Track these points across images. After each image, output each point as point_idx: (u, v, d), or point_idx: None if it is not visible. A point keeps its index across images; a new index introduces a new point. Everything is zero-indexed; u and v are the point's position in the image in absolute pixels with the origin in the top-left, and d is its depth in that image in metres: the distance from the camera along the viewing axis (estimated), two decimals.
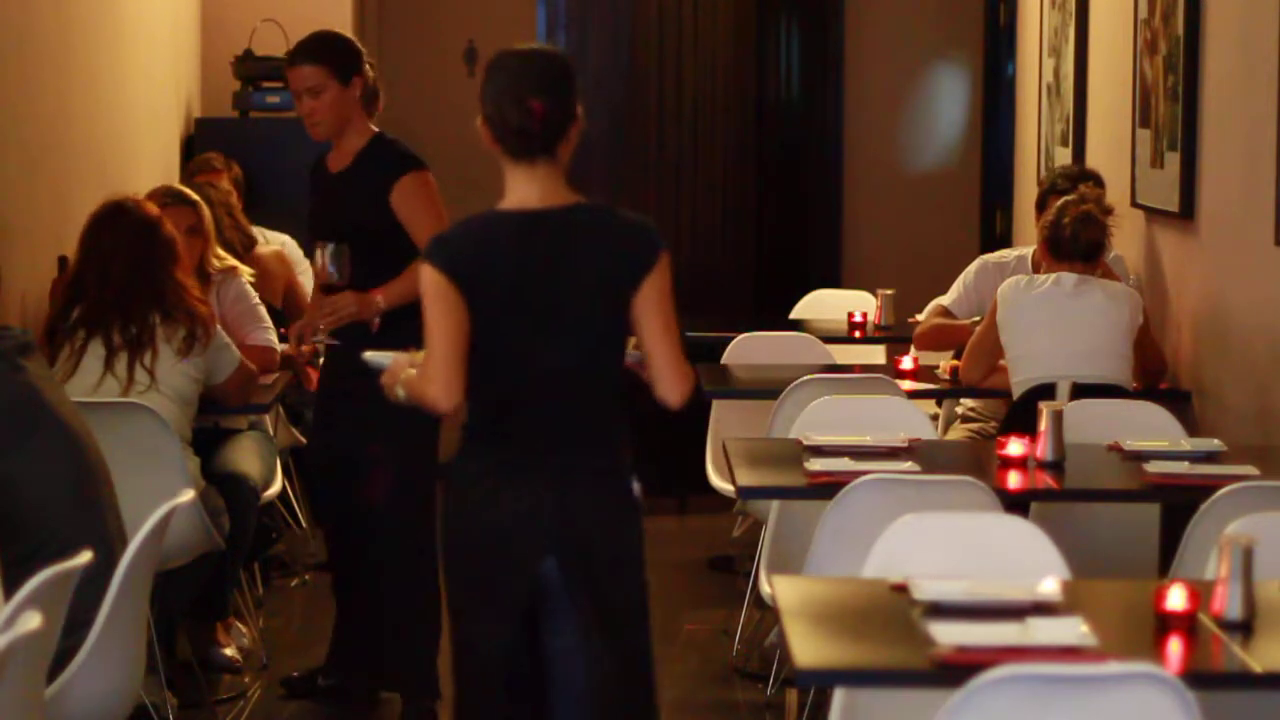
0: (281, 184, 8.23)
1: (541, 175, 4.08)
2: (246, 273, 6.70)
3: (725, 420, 7.17)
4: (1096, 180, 7.08)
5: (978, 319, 6.80)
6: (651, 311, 4.05)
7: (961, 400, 7.18)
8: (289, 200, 8.17)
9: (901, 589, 3.76)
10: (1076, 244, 6.31)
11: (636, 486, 4.12)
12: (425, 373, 4.03)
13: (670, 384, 4.08)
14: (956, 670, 3.25)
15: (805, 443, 5.34)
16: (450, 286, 3.99)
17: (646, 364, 4.10)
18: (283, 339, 7.01)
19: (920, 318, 8.10)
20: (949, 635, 3.44)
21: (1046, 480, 5.11)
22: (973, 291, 7.13)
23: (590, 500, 4.06)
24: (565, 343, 4.05)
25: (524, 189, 4.09)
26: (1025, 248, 7.36)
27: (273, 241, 7.72)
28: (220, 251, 6.65)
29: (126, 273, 5.77)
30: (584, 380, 4.08)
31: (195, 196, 6.55)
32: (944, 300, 7.26)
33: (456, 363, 3.99)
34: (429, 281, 4.00)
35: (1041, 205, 7.15)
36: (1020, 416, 5.94)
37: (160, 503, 4.21)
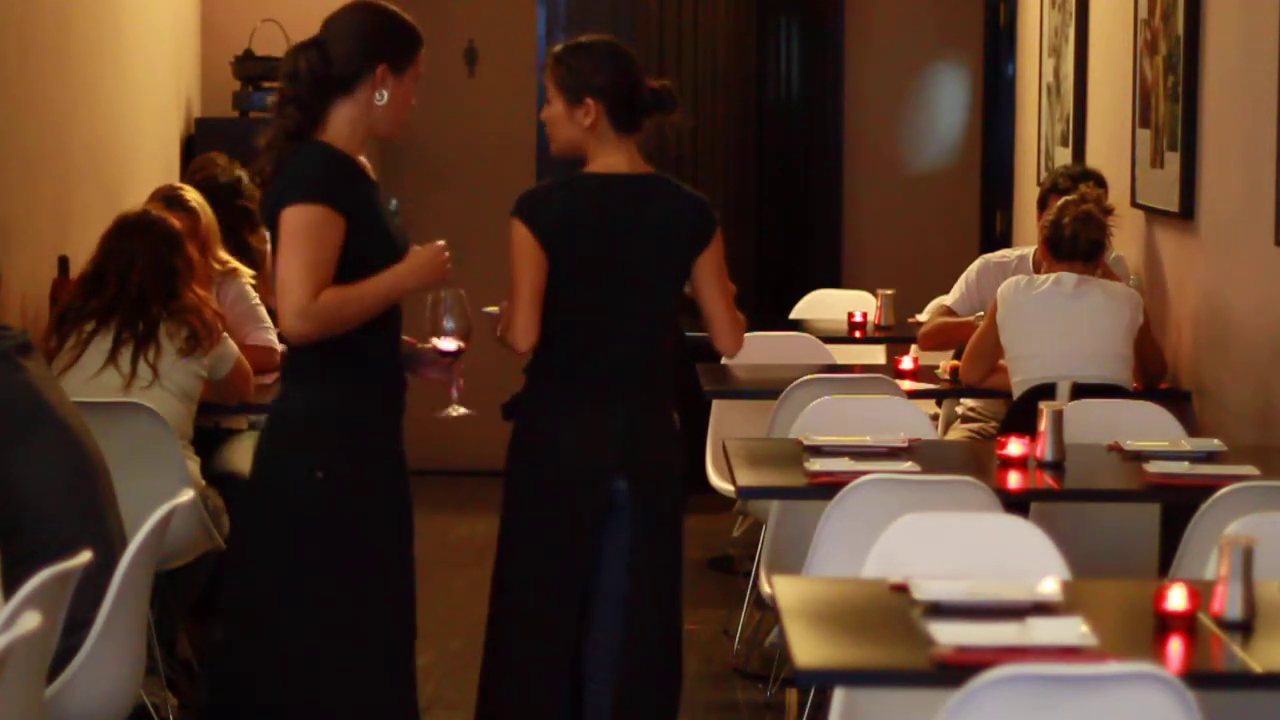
0: None
1: (629, 146, 4.81)
2: (247, 274, 6.71)
3: (725, 420, 7.17)
4: (1098, 180, 7.08)
5: (982, 315, 6.81)
6: (710, 278, 4.86)
7: (961, 400, 7.19)
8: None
9: (901, 589, 3.76)
10: (1077, 244, 6.31)
11: (676, 418, 4.89)
12: (507, 318, 4.71)
13: (728, 337, 4.93)
14: (956, 670, 3.25)
15: (805, 443, 5.34)
16: (535, 243, 4.71)
17: (705, 321, 4.91)
18: (281, 339, 7.01)
19: (921, 317, 8.12)
20: (949, 635, 3.44)
21: (1046, 480, 5.11)
22: (975, 290, 7.14)
23: (651, 428, 4.81)
24: (633, 292, 4.78)
25: (614, 157, 4.80)
26: (1026, 247, 7.36)
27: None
28: (223, 254, 6.65)
29: (146, 277, 5.82)
30: (646, 326, 4.82)
31: (193, 202, 6.55)
32: (946, 300, 7.26)
33: (535, 309, 4.70)
34: (517, 236, 4.72)
35: (1043, 204, 7.16)
36: (1020, 416, 5.94)
37: (160, 503, 4.21)
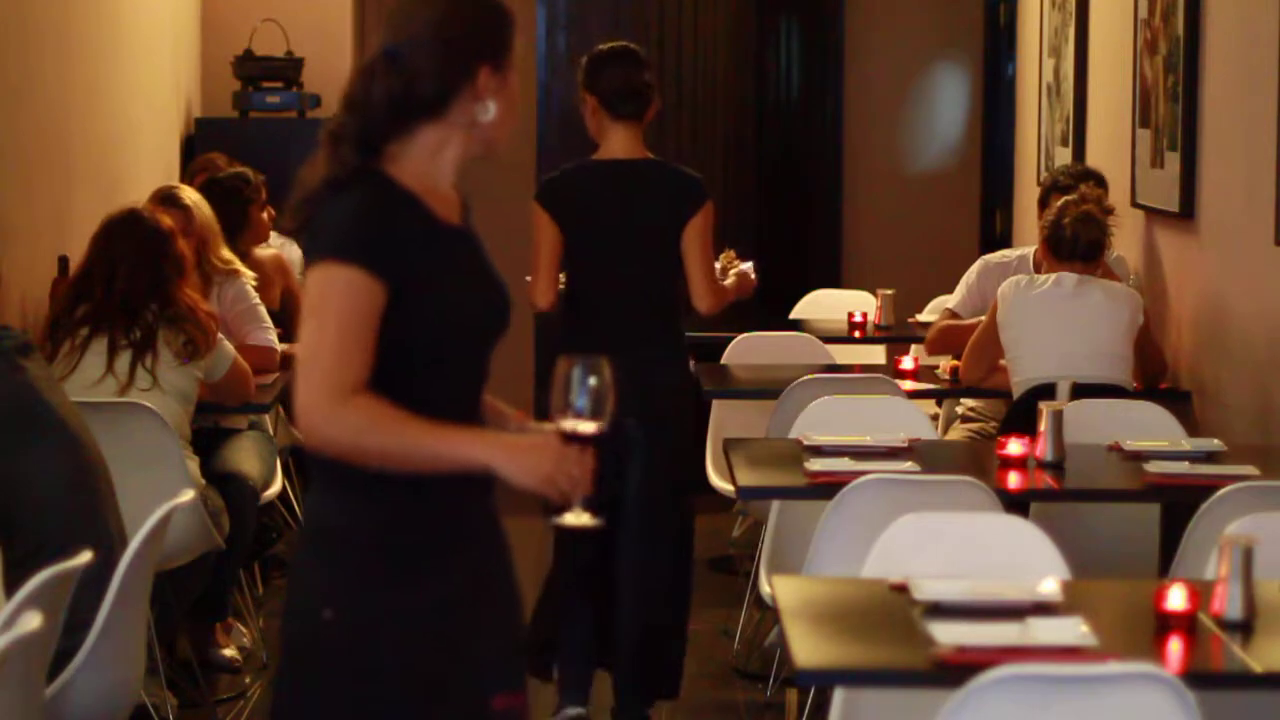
0: (282, 184, 8.22)
1: (627, 134, 5.76)
2: (249, 275, 6.71)
3: (725, 420, 7.17)
4: (1099, 180, 7.08)
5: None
6: (693, 243, 5.70)
7: (961, 400, 7.18)
8: (288, 200, 8.16)
9: (901, 589, 3.76)
10: (1077, 244, 6.31)
11: (692, 364, 5.91)
12: (531, 282, 5.69)
13: (700, 295, 5.72)
14: (956, 670, 3.25)
15: (805, 443, 5.34)
16: (551, 221, 5.70)
17: (687, 282, 5.70)
18: (282, 339, 7.01)
19: (921, 317, 8.12)
20: (949, 635, 3.43)
21: (1046, 480, 5.11)
22: (976, 292, 7.13)
23: (657, 375, 5.58)
24: (634, 259, 5.70)
25: (615, 143, 5.76)
26: (1027, 247, 7.36)
27: (273, 242, 7.71)
28: (225, 253, 6.65)
29: (132, 281, 5.79)
30: (648, 287, 5.71)
31: (189, 200, 6.54)
32: (949, 303, 7.25)
33: (551, 274, 5.71)
34: (536, 217, 5.72)
35: (1044, 203, 7.16)
36: (1020, 416, 5.94)
37: (160, 503, 4.21)
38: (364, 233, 3.12)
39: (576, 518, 3.14)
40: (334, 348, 3.07)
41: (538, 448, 3.07)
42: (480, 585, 3.20)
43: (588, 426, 3.13)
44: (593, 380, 3.15)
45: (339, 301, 3.08)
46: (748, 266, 6.34)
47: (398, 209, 3.17)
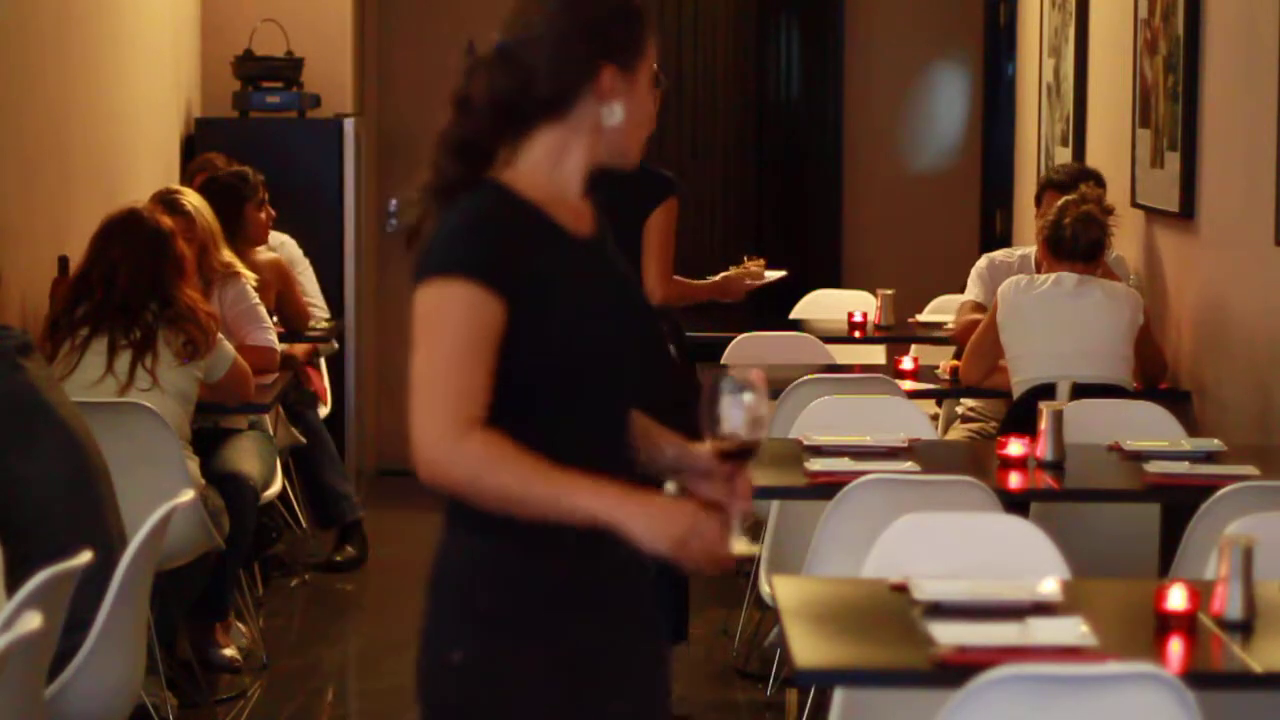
0: (282, 184, 8.23)
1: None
2: (250, 277, 6.71)
3: None
4: (1097, 179, 7.07)
5: None
6: (651, 234, 6.03)
7: (961, 400, 7.18)
8: (288, 200, 8.17)
9: (901, 589, 3.76)
10: (1077, 244, 6.31)
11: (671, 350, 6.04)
12: None
13: (651, 287, 5.93)
14: (956, 670, 3.24)
15: (805, 443, 5.34)
16: None
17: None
18: (281, 339, 7.02)
19: (921, 317, 8.13)
20: (949, 635, 3.43)
21: (1046, 480, 5.10)
22: (990, 283, 7.07)
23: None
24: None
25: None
26: (1027, 247, 7.36)
27: (272, 242, 7.71)
28: (226, 256, 6.65)
29: (132, 281, 5.80)
30: None
31: (190, 204, 6.54)
32: (968, 296, 7.21)
33: None
34: None
35: (1039, 201, 7.16)
36: (1020, 416, 5.94)
37: (160, 503, 4.21)
38: (478, 244, 2.82)
39: (736, 545, 2.92)
40: (450, 374, 2.77)
41: (670, 511, 2.78)
42: (613, 643, 2.93)
43: (741, 445, 2.92)
44: (747, 396, 2.90)
45: (454, 322, 2.78)
46: (758, 267, 6.46)
47: (515, 218, 2.87)
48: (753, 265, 6.83)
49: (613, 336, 2.88)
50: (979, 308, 7.08)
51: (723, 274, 6.67)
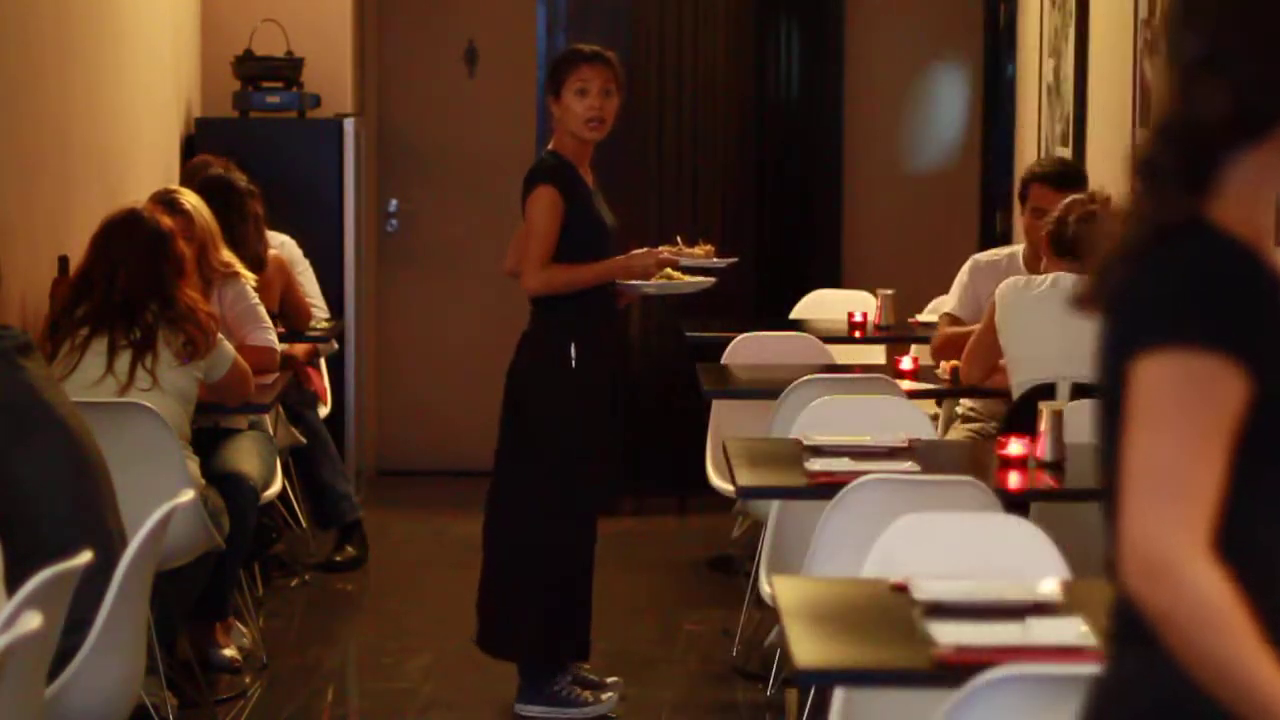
0: (281, 184, 8.23)
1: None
2: (250, 277, 6.71)
3: (725, 420, 7.17)
4: (1078, 174, 7.08)
5: None
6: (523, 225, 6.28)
7: (961, 400, 7.18)
8: (288, 200, 8.17)
9: (901, 589, 3.76)
10: (1079, 243, 6.31)
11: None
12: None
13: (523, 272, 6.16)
14: (956, 670, 3.25)
15: (805, 443, 5.34)
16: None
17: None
18: (282, 338, 7.01)
19: (921, 318, 8.12)
20: (949, 635, 3.43)
21: (1046, 480, 5.11)
22: (970, 292, 7.12)
23: (519, 354, 6.23)
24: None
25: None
26: (1015, 246, 7.37)
27: (272, 242, 7.71)
28: (226, 256, 6.65)
29: (132, 281, 5.80)
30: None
31: (189, 204, 6.54)
32: (946, 307, 7.24)
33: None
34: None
35: (1023, 197, 7.16)
36: (1020, 416, 5.94)
37: (160, 503, 4.21)
38: (1220, 307, 2.23)
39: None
40: (1188, 474, 2.18)
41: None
42: None
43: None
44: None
45: (1195, 405, 2.19)
46: (704, 253, 6.42)
47: (1246, 272, 2.27)
48: (697, 250, 6.48)
49: None
50: (955, 320, 7.10)
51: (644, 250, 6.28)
